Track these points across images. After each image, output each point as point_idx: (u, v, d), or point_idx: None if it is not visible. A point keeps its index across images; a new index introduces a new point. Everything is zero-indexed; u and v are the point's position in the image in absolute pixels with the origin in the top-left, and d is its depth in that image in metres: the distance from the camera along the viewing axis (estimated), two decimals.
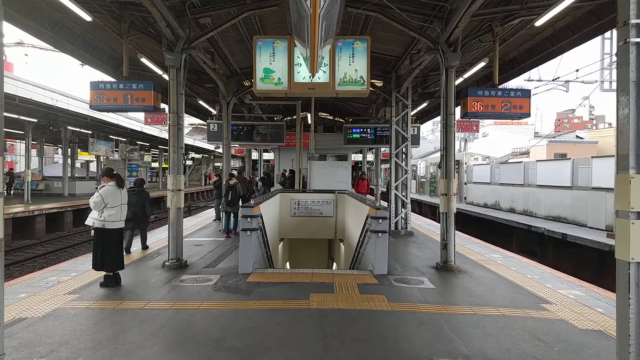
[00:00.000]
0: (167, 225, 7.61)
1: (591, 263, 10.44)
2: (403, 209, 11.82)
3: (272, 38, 6.62)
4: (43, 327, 4.32)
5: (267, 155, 26.14)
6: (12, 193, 24.17)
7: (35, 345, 3.88)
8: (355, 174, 27.82)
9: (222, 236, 10.61)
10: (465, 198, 22.70)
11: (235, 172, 12.02)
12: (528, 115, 7.83)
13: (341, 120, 19.94)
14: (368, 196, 14.20)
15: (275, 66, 6.51)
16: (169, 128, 7.45)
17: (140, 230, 8.78)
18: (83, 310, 4.92)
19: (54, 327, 4.35)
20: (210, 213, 15.58)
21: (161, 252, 8.31)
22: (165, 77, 8.82)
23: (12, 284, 6.03)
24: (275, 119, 18.21)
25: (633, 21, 2.59)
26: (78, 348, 3.85)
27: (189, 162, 49.43)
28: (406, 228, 11.71)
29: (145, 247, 8.75)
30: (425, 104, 15.08)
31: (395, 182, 11.82)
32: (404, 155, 11.94)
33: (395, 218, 11.70)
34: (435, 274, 6.99)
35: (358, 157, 27.28)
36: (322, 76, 6.43)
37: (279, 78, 6.50)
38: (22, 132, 20.84)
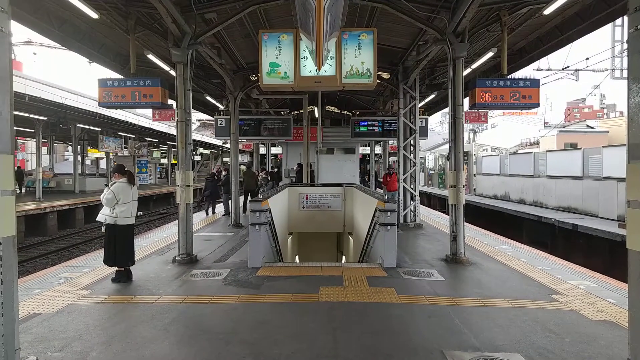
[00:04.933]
0: (176, 221, 7.67)
1: (603, 254, 10.34)
2: (412, 202, 11.79)
3: (277, 32, 6.60)
4: (57, 322, 4.40)
5: (274, 150, 26.19)
6: (23, 191, 24.45)
7: (50, 340, 3.95)
8: (363, 168, 27.77)
9: (232, 231, 10.67)
10: (474, 190, 22.55)
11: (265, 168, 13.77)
12: (537, 105, 7.75)
13: (348, 113, 19.87)
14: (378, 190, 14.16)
15: (281, 60, 6.49)
16: (177, 124, 7.48)
17: (212, 202, 14.54)
18: (95, 306, 4.99)
19: (68, 322, 4.42)
20: (219, 208, 15.65)
21: (171, 247, 8.39)
22: (172, 73, 8.83)
23: (26, 280, 6.13)
24: (283, 113, 18.18)
25: None
26: (91, 343, 3.91)
27: (197, 158, 49.69)
28: (415, 221, 11.68)
29: (213, 212, 14.31)
30: (433, 96, 14.95)
31: (404, 174, 11.78)
32: (412, 147, 11.88)
33: (404, 211, 11.68)
34: (444, 266, 6.97)
35: (366, 150, 27.22)
36: (328, 69, 6.42)
37: (285, 72, 6.49)
38: (33, 130, 21.07)
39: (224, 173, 14.49)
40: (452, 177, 7.39)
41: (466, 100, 8.08)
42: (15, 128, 2.66)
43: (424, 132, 13.62)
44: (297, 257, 14.39)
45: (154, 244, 8.88)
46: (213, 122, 16.93)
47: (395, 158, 12.49)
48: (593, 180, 13.02)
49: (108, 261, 5.98)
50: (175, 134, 7.74)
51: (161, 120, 21.08)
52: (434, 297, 5.30)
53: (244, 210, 13.43)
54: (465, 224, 7.58)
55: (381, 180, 15.74)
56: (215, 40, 9.52)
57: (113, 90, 7.58)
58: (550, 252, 10.01)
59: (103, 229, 6.00)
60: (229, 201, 12.82)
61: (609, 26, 18.24)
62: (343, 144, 18.85)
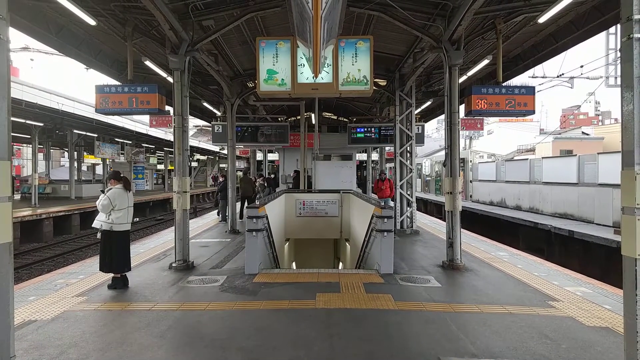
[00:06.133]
0: (173, 227, 7.65)
1: (598, 260, 10.38)
2: (408, 208, 11.81)
3: (275, 39, 6.64)
4: (52, 330, 4.37)
5: (271, 156, 26.20)
6: (17, 197, 24.31)
7: (45, 347, 3.92)
8: (360, 174, 27.81)
9: (228, 237, 10.65)
10: (470, 196, 22.62)
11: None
12: (533, 112, 7.80)
13: (345, 119, 19.94)
14: (372, 195, 14.16)
15: (278, 67, 6.53)
16: (174, 130, 7.49)
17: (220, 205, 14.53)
18: (91, 312, 4.96)
19: (63, 329, 4.40)
20: (216, 214, 15.64)
21: (168, 253, 8.36)
22: (170, 79, 8.87)
23: (21, 287, 6.08)
24: (279, 119, 18.23)
25: (636, 17, 2.59)
26: (87, 350, 3.89)
27: (194, 164, 49.59)
28: (412, 227, 11.69)
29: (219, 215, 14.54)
30: (429, 102, 15.04)
31: (400, 181, 11.80)
32: (408, 154, 11.92)
33: (400, 217, 11.69)
34: (441, 273, 6.98)
35: (363, 156, 27.27)
36: (325, 76, 6.45)
37: (282, 79, 6.53)
38: (29, 136, 20.99)
39: (220, 179, 14.48)
40: (448, 184, 7.42)
41: (462, 107, 8.13)
42: (11, 134, 2.67)
43: (420, 139, 13.68)
44: (294, 263, 14.34)
45: (151, 251, 8.84)
46: (210, 129, 16.93)
47: (392, 164, 12.49)
48: (588, 187, 13.09)
49: (103, 268, 5.96)
50: (172, 140, 7.75)
51: (158, 126, 21.03)
52: (431, 303, 5.31)
53: (241, 217, 13.41)
54: (462, 230, 7.60)
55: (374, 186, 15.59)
56: (212, 47, 9.55)
57: (110, 96, 7.59)
58: (547, 258, 10.03)
59: (99, 235, 5.98)
60: (226, 207, 12.80)
61: (603, 34, 18.43)
62: (340, 150, 18.89)
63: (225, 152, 19.36)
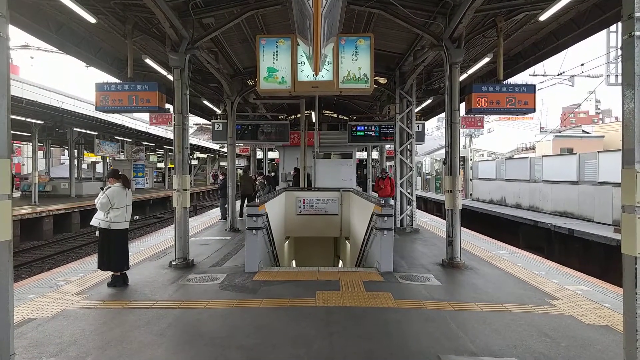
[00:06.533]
0: (173, 225, 7.65)
1: (598, 258, 10.38)
2: (408, 206, 11.81)
3: (275, 37, 6.64)
4: (52, 327, 4.37)
5: (271, 154, 26.18)
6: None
7: (45, 345, 3.93)
8: (361, 172, 27.78)
9: (228, 235, 10.65)
10: (470, 194, 22.61)
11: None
12: (533, 110, 7.78)
13: (345, 118, 19.92)
14: (373, 193, 14.15)
15: (278, 65, 6.52)
16: (174, 128, 7.49)
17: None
18: (91, 310, 4.97)
19: (63, 327, 4.40)
20: (216, 212, 15.64)
21: (168, 251, 8.37)
22: (170, 77, 8.86)
23: (21, 285, 6.09)
24: (280, 117, 18.21)
25: (638, 14, 2.58)
26: (87, 348, 3.89)
27: (194, 162, 49.57)
28: (412, 225, 11.69)
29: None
30: (429, 101, 15.02)
31: (401, 179, 11.80)
32: (408, 152, 11.92)
33: (400, 215, 11.69)
34: (441, 271, 6.98)
35: (363, 154, 27.24)
36: (325, 74, 6.44)
37: (282, 77, 6.52)
38: (29, 134, 20.99)
39: (221, 177, 14.46)
40: (448, 182, 7.41)
41: (462, 106, 8.12)
42: (11, 132, 2.66)
43: (420, 137, 13.68)
44: (293, 261, 14.34)
45: (150, 249, 8.85)
46: (210, 127, 16.91)
47: (392, 162, 12.49)
48: (588, 185, 13.09)
49: (102, 266, 5.97)
50: (172, 138, 7.74)
51: (158, 124, 21.13)
52: (431, 301, 5.31)
53: (241, 215, 13.40)
54: (462, 228, 7.60)
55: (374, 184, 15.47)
56: (212, 45, 9.54)
57: (110, 94, 7.57)
58: (547, 256, 10.03)
59: (97, 233, 5.98)
60: (226, 205, 12.81)
61: (604, 32, 18.39)
62: (340, 149, 18.89)
63: (225, 150, 19.38)
